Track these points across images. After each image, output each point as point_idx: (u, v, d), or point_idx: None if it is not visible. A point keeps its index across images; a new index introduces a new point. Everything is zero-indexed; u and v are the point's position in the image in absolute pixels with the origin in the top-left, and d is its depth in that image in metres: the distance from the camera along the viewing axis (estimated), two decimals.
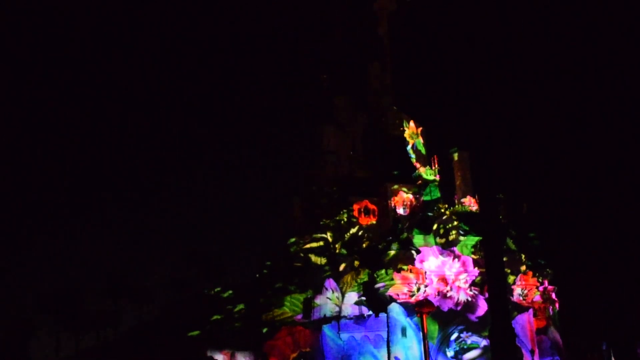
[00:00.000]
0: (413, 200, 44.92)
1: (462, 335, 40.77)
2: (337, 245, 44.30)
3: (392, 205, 44.63)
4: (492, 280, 41.29)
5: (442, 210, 43.86)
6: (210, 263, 58.97)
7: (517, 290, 42.52)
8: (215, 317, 46.01)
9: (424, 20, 53.29)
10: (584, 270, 58.05)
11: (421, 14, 53.53)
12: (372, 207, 45.97)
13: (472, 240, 43.06)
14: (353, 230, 44.91)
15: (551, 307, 43.76)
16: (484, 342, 40.05)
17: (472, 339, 40.74)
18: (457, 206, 46.01)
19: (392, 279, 40.66)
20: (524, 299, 42.44)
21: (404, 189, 45.14)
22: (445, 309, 40.79)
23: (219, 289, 47.74)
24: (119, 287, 57.36)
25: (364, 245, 44.11)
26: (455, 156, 48.35)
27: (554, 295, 43.92)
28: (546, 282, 43.82)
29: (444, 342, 40.30)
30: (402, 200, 44.80)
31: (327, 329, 41.46)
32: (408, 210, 44.63)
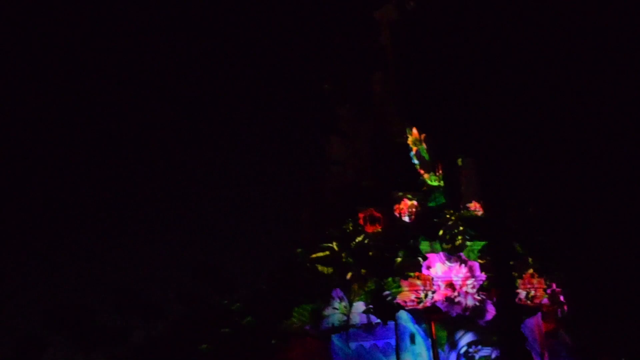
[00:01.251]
0: (418, 206, 44.92)
1: (470, 350, 40.65)
2: (343, 254, 44.28)
3: (398, 212, 44.58)
4: (500, 285, 41.24)
5: (448, 216, 43.81)
6: (219, 276, 58.90)
7: (523, 293, 42.29)
8: (223, 330, 45.98)
9: (427, 27, 53.38)
10: (595, 273, 57.64)
11: (424, 21, 53.63)
12: (377, 215, 45.86)
13: (479, 245, 42.92)
14: (359, 239, 44.87)
15: (560, 309, 43.49)
16: (494, 354, 39.92)
17: (481, 353, 40.63)
18: (462, 211, 45.90)
19: (399, 287, 40.63)
20: (531, 302, 42.24)
21: (409, 196, 45.11)
22: (454, 315, 40.67)
23: (226, 301, 47.74)
24: (128, 302, 57.33)
25: (370, 253, 44.06)
26: (460, 161, 48.27)
27: (562, 298, 43.67)
28: (554, 285, 43.58)
29: (453, 347, 40.20)
30: (407, 207, 44.78)
31: (335, 339, 41.41)
32: (413, 217, 44.60)
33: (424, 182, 45.39)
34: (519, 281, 42.29)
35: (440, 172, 46.13)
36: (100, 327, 55.28)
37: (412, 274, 40.58)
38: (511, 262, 42.15)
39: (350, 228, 45.49)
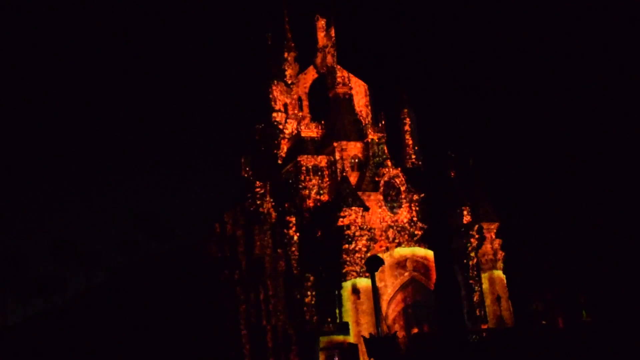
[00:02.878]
0: (361, 157, 45.08)
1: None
2: (286, 205, 44.29)
3: (341, 163, 44.68)
4: (437, 233, 42.27)
5: (389, 168, 44.14)
6: (160, 225, 58.47)
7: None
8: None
9: None
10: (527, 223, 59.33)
11: None
12: (321, 165, 45.95)
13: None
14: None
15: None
16: None
17: None
18: (406, 164, 46.44)
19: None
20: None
21: (352, 146, 45.22)
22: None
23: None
24: (67, 252, 56.58)
25: (312, 205, 44.31)
26: (405, 112, 48.55)
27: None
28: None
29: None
30: (350, 157, 44.93)
31: None
32: (356, 167, 44.80)
33: (367, 132, 45.34)
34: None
35: (383, 123, 46.19)
36: (38, 277, 54.42)
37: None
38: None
39: (293, 179, 45.52)
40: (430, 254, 43.36)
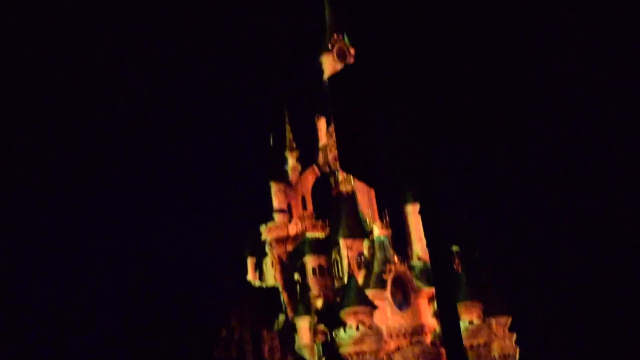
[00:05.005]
0: (367, 255, 44.66)
1: None
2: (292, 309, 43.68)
3: (347, 262, 44.19)
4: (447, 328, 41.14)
5: (396, 265, 43.65)
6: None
7: None
8: None
9: (365, 80, 53.54)
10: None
11: (363, 74, 53.85)
12: (325, 265, 45.58)
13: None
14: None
15: None
16: None
17: None
18: (412, 260, 45.87)
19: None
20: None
21: (358, 244, 44.90)
22: None
23: None
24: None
25: (320, 305, 43.58)
26: (409, 208, 48.29)
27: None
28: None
29: None
30: (356, 255, 44.56)
31: None
32: (362, 265, 44.30)
33: (372, 230, 45.08)
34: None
35: (387, 219, 45.95)
36: None
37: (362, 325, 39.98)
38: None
39: (300, 280, 44.98)
40: (443, 351, 42.25)
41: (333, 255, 45.72)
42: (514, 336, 43.96)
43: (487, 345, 42.01)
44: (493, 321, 43.17)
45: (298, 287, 44.55)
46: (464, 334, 41.53)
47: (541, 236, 69.75)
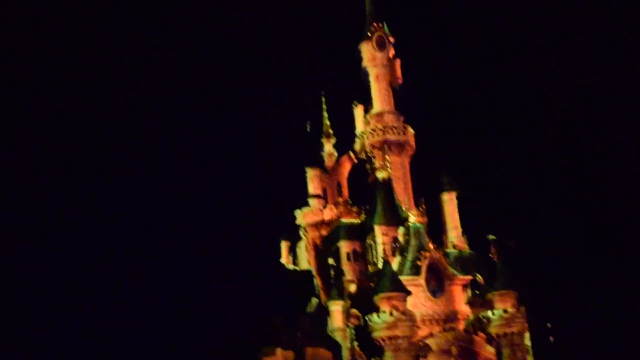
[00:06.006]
0: (402, 241, 44.82)
1: None
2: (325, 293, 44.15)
3: (382, 248, 44.43)
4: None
5: (431, 252, 43.78)
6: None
7: None
8: None
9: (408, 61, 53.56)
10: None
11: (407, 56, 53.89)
12: (360, 250, 45.93)
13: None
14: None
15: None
16: None
17: None
18: (446, 249, 46.00)
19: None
20: None
21: (393, 230, 45.11)
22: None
23: None
24: None
25: (353, 290, 43.92)
26: (445, 196, 48.41)
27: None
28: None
29: None
30: (391, 241, 44.77)
31: None
32: (397, 252, 44.50)
33: (408, 217, 45.22)
34: None
35: (424, 206, 46.09)
36: None
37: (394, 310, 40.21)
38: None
39: (334, 264, 45.35)
40: (476, 339, 42.46)
41: (368, 241, 45.99)
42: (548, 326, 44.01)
43: (521, 334, 42.02)
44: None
45: (332, 272, 44.93)
46: (498, 322, 41.75)
47: (576, 230, 69.23)
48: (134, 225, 77.85)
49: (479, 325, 42.69)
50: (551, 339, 44.04)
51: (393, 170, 48.86)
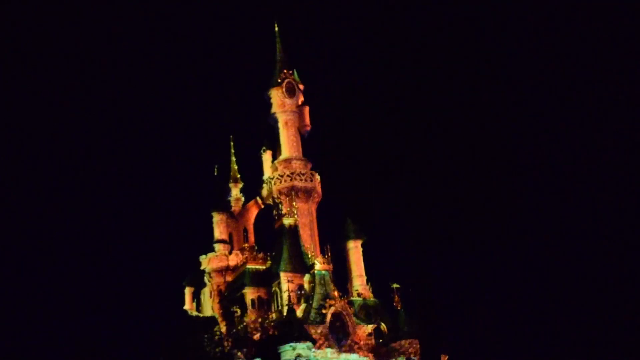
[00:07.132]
0: (307, 289, 44.67)
1: None
2: (229, 340, 43.31)
3: (287, 295, 44.12)
4: None
5: (336, 300, 43.77)
6: None
7: None
8: None
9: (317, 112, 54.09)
10: None
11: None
12: (265, 297, 45.48)
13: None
14: (247, 319, 44.14)
15: None
16: None
17: None
18: (351, 295, 46.13)
19: None
20: None
21: (298, 278, 44.92)
22: None
23: None
24: None
25: (257, 338, 43.30)
26: (351, 244, 48.69)
27: None
28: None
29: None
30: (297, 289, 44.54)
31: None
32: (303, 299, 44.28)
33: (313, 264, 45.19)
34: None
35: (329, 254, 46.18)
36: None
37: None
38: None
39: (238, 311, 44.70)
40: None
41: (273, 288, 45.69)
42: None
43: None
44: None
45: (236, 319, 44.24)
46: None
47: (480, 273, 70.93)
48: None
49: None
50: None
51: (300, 216, 48.84)
